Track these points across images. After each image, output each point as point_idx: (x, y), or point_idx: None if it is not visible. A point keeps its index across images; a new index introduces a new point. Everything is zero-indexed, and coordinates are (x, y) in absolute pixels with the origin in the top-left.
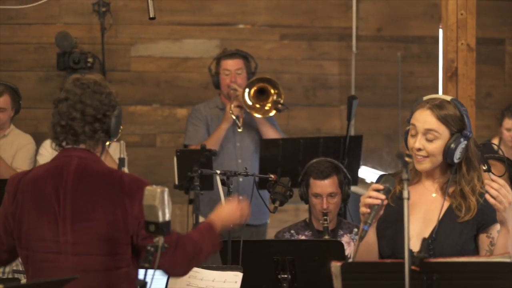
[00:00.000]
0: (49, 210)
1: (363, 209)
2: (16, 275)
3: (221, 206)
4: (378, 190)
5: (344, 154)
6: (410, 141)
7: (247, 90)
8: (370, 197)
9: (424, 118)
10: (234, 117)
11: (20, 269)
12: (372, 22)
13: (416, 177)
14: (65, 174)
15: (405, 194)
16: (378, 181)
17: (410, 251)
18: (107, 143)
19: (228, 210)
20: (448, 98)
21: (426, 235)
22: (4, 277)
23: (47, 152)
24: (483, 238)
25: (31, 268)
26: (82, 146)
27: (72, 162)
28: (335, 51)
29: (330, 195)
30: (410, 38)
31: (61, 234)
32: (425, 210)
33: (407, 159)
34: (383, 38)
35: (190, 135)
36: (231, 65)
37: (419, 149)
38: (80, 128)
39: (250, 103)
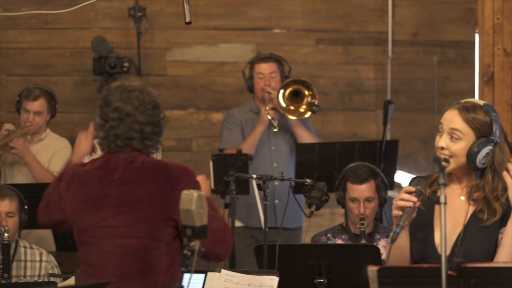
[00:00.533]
0: (95, 199)
1: (395, 212)
2: (52, 279)
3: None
4: (410, 193)
5: (380, 158)
6: (437, 140)
7: (281, 92)
8: (402, 199)
9: (451, 118)
10: (270, 117)
11: (56, 272)
12: (408, 27)
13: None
14: (113, 164)
15: (442, 199)
16: (410, 183)
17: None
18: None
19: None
20: (481, 103)
21: (453, 239)
22: (40, 280)
23: (96, 155)
24: (499, 235)
25: (82, 255)
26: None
27: (121, 154)
28: (371, 56)
29: (367, 199)
30: (446, 43)
31: (103, 219)
32: (452, 214)
33: (443, 163)
34: (419, 43)
35: (225, 139)
36: (265, 68)
37: (443, 148)
38: (140, 145)
39: (284, 105)
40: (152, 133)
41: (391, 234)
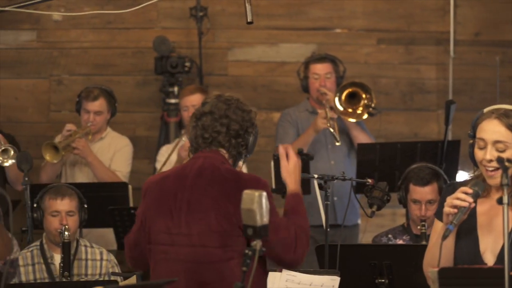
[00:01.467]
0: (167, 204)
1: (448, 209)
2: (112, 278)
3: (284, 173)
4: (466, 193)
5: (442, 159)
6: (479, 154)
7: (338, 94)
8: (458, 198)
9: (493, 128)
10: (331, 130)
11: (117, 271)
12: (470, 27)
13: (485, 191)
14: (188, 171)
15: (505, 199)
16: (447, 188)
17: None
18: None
19: (288, 170)
20: (510, 107)
21: (498, 248)
22: (101, 279)
23: (164, 158)
24: None
25: (152, 262)
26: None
27: (197, 161)
28: (433, 56)
29: (429, 201)
30: (508, 43)
31: (175, 226)
32: (496, 223)
33: (507, 164)
34: (481, 43)
35: (280, 137)
36: (320, 69)
37: (491, 161)
38: (226, 142)
39: (341, 108)
40: (238, 134)
41: (444, 231)
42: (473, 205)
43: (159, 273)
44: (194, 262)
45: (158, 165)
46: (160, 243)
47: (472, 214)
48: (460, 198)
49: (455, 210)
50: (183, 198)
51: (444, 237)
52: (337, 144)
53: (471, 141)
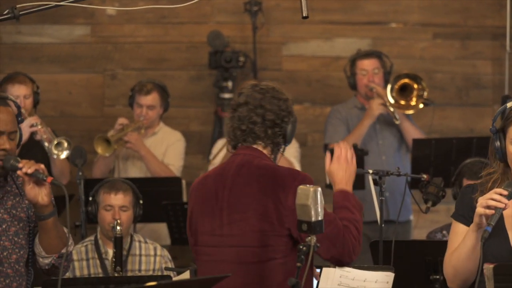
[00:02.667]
0: (209, 204)
1: (483, 210)
2: (166, 273)
3: (332, 171)
4: (500, 195)
5: None
6: (511, 148)
7: (389, 89)
8: (492, 199)
9: None
10: (391, 110)
11: (170, 266)
12: None
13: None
14: (227, 170)
15: None
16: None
17: None
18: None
19: (340, 169)
20: None
21: None
22: (154, 274)
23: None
24: None
25: (198, 263)
26: (254, 146)
27: (236, 159)
28: (489, 50)
29: None
30: None
31: (218, 227)
32: None
33: None
34: None
35: (330, 134)
36: (368, 65)
37: None
38: (262, 132)
39: (393, 101)
40: (275, 124)
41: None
42: (508, 206)
43: (204, 275)
44: (237, 263)
45: (211, 157)
46: (205, 244)
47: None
48: (495, 199)
49: (491, 211)
50: (223, 198)
51: (483, 238)
52: (397, 122)
53: (494, 136)
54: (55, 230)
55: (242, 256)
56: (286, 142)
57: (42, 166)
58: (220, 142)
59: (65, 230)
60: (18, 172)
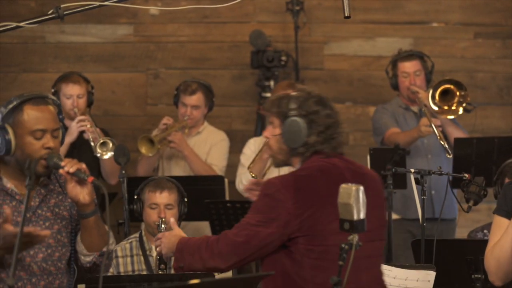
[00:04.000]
0: (328, 204)
1: None
2: None
3: None
4: None
5: None
6: None
7: (431, 93)
8: None
9: None
10: (442, 143)
11: None
12: None
13: None
14: (336, 171)
15: None
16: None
17: None
18: None
19: None
20: None
21: None
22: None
23: (250, 151)
24: None
25: (327, 263)
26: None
27: (338, 164)
28: None
29: None
30: None
31: None
32: None
33: None
34: None
35: (379, 127)
36: (409, 67)
37: None
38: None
39: (436, 107)
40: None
41: None
42: None
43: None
44: (373, 257)
45: (242, 158)
46: (335, 244)
47: None
48: None
49: None
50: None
51: None
52: (449, 156)
53: None
54: (96, 229)
55: (376, 249)
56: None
57: (84, 165)
58: (252, 142)
59: (106, 228)
60: (60, 170)
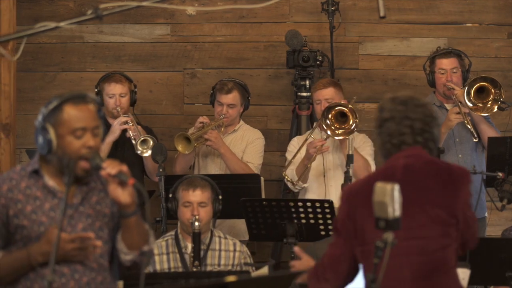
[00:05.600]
0: None
1: None
2: (245, 268)
3: None
4: None
5: None
6: None
7: (467, 90)
8: None
9: None
10: (469, 127)
11: (248, 261)
12: None
13: None
14: (392, 171)
15: None
16: None
17: None
18: None
19: None
20: None
21: None
22: (233, 269)
23: (295, 148)
24: None
25: (367, 261)
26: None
27: (399, 161)
28: None
29: None
30: None
31: None
32: None
33: None
34: None
35: None
36: (446, 64)
37: None
38: (412, 140)
39: (470, 104)
40: (423, 130)
41: None
42: None
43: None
44: (417, 254)
45: (288, 155)
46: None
47: None
48: None
49: None
50: None
51: None
52: (475, 140)
53: None
54: (137, 228)
55: (422, 247)
56: (437, 145)
57: (125, 168)
58: (296, 140)
59: (147, 228)
60: (102, 172)
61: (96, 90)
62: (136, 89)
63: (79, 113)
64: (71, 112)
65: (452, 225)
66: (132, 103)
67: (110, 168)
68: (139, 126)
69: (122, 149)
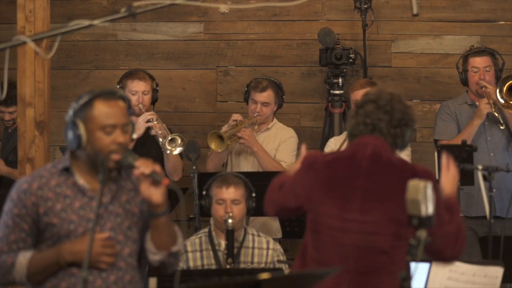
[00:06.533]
0: (338, 189)
1: None
2: (278, 265)
3: (443, 182)
4: None
5: None
6: None
7: (499, 87)
8: None
9: None
10: (496, 115)
11: (282, 259)
12: None
13: None
14: (359, 158)
15: None
16: None
17: None
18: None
19: (448, 181)
20: None
21: None
22: (267, 267)
23: (331, 149)
24: None
25: (316, 243)
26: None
27: (367, 148)
28: None
29: None
30: None
31: (348, 211)
32: None
33: None
34: None
35: (440, 130)
36: (480, 62)
37: None
38: (386, 129)
39: (502, 101)
40: (399, 124)
41: None
42: None
43: (328, 256)
44: (365, 248)
45: None
46: (329, 227)
47: None
48: None
49: None
50: (357, 184)
51: None
52: (501, 127)
53: None
54: (167, 228)
55: (372, 243)
56: (402, 146)
57: (159, 167)
58: (333, 141)
59: (176, 229)
60: (135, 171)
61: (118, 86)
62: (158, 88)
63: (110, 109)
64: (101, 108)
65: (408, 227)
66: (154, 101)
67: (144, 167)
68: (164, 124)
69: (144, 147)
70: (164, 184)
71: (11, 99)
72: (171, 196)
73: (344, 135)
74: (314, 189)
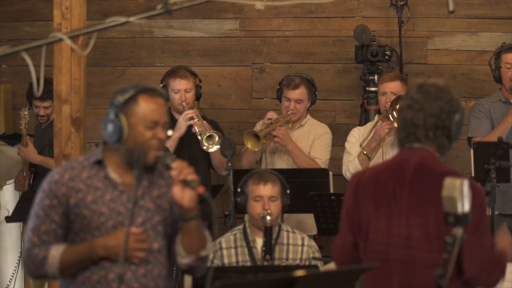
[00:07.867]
0: (385, 203)
1: None
2: (313, 262)
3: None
4: None
5: None
6: None
7: None
8: None
9: None
10: None
11: (317, 256)
12: None
13: None
14: (404, 170)
15: None
16: None
17: None
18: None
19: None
20: None
21: None
22: (301, 264)
23: (355, 139)
24: None
25: (366, 259)
26: (423, 146)
27: (412, 159)
28: None
29: None
30: None
31: (395, 226)
32: None
33: None
34: None
35: (473, 128)
36: None
37: None
38: (422, 136)
39: None
40: (436, 127)
41: None
42: None
43: (373, 273)
44: (410, 265)
45: (348, 146)
46: (377, 242)
47: None
48: None
49: None
50: (402, 197)
51: None
52: None
53: None
54: (197, 233)
55: (417, 259)
56: (451, 140)
57: (193, 172)
58: (356, 131)
59: (206, 233)
60: (172, 172)
61: (161, 85)
62: (201, 84)
63: (154, 106)
64: (146, 104)
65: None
66: (198, 97)
67: (179, 170)
68: (204, 121)
69: (188, 144)
70: (199, 193)
71: (46, 93)
72: (213, 191)
73: (368, 125)
74: (362, 205)
